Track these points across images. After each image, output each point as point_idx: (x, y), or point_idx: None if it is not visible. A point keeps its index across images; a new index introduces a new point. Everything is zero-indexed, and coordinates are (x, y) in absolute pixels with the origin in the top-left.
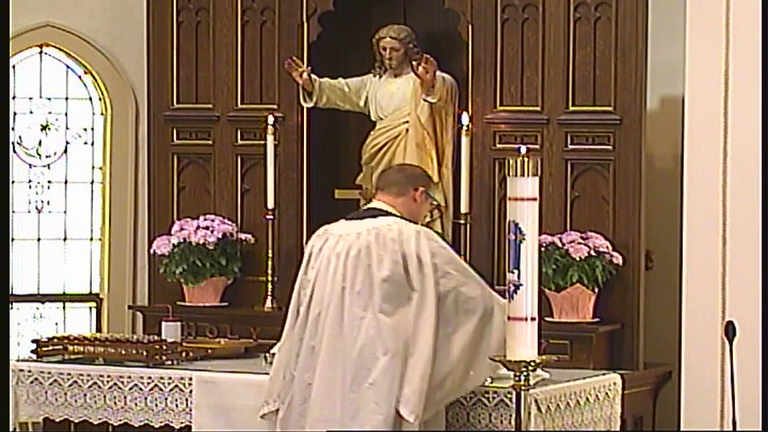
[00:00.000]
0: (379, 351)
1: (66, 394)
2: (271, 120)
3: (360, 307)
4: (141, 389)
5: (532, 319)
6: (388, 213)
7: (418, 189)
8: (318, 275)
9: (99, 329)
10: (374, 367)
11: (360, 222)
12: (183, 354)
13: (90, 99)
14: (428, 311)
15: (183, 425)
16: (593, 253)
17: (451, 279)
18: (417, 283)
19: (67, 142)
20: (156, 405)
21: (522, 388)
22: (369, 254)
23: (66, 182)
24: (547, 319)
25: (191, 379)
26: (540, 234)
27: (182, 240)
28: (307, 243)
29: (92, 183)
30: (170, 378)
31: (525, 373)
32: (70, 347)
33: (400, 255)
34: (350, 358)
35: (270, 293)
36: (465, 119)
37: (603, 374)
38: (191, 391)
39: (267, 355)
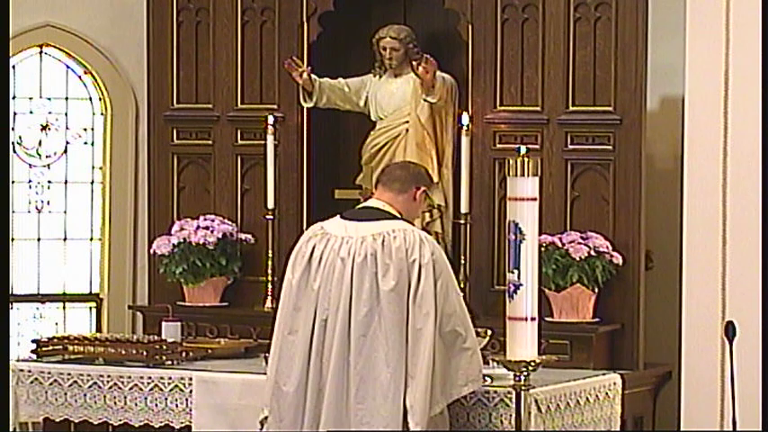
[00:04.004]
0: (383, 362)
1: (66, 394)
2: (271, 120)
3: (366, 315)
4: (141, 389)
5: (532, 319)
6: (388, 214)
7: (420, 188)
8: (325, 281)
9: (99, 329)
10: (380, 379)
11: (361, 224)
12: (183, 354)
13: (90, 99)
14: (429, 324)
15: (182, 425)
16: (593, 253)
17: (449, 304)
18: (418, 293)
19: (67, 142)
20: (156, 405)
21: (522, 388)
22: (374, 262)
23: (66, 182)
24: (547, 319)
25: (191, 379)
26: (540, 234)
27: (182, 240)
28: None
29: (92, 183)
30: (170, 378)
31: (525, 373)
32: (70, 347)
33: (405, 263)
34: (356, 369)
35: (270, 293)
36: (465, 119)
37: (603, 374)
38: (191, 391)
39: (267, 355)
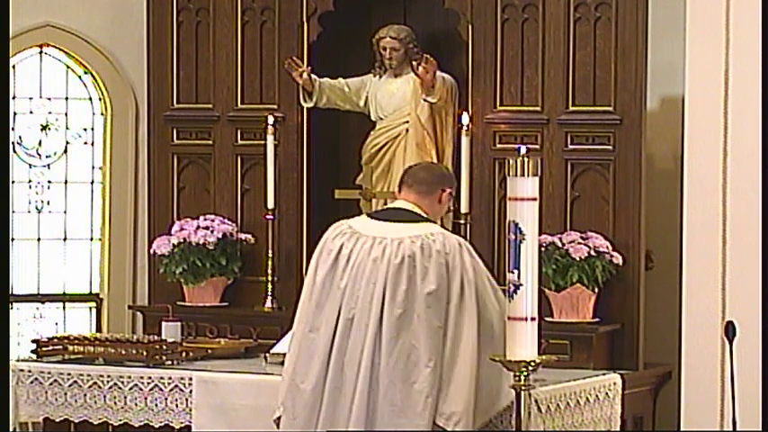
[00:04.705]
0: (416, 365)
1: (66, 394)
2: (271, 120)
3: (399, 318)
4: (141, 389)
5: (532, 319)
6: (420, 217)
7: (445, 190)
8: (352, 281)
9: (99, 329)
10: (410, 381)
11: (394, 226)
12: (183, 354)
13: (90, 99)
14: (470, 332)
15: (182, 425)
16: (593, 253)
17: (487, 308)
18: (457, 297)
19: (67, 142)
20: (156, 405)
21: (522, 388)
22: (412, 264)
23: (66, 182)
24: (547, 319)
25: (191, 379)
26: (540, 234)
27: (182, 240)
28: (309, 241)
29: (92, 183)
30: (170, 378)
31: (525, 373)
32: (70, 347)
33: (445, 268)
34: (386, 371)
35: (270, 293)
36: (465, 119)
37: (603, 374)
38: (191, 391)
39: (267, 355)
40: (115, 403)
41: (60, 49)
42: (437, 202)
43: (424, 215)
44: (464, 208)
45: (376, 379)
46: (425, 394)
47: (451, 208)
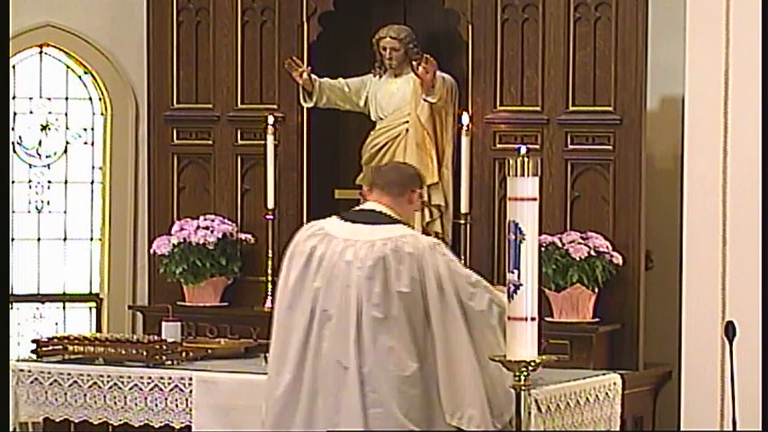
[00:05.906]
0: (404, 364)
1: (66, 394)
2: (271, 120)
3: (375, 320)
4: (141, 389)
5: (532, 319)
6: (391, 219)
7: (415, 191)
8: (326, 283)
9: (99, 329)
10: (393, 383)
11: (366, 228)
12: (183, 354)
13: (90, 99)
14: (459, 329)
15: (183, 425)
16: (593, 253)
17: (479, 296)
18: (436, 297)
19: (67, 142)
20: (156, 405)
21: (522, 388)
22: (384, 266)
23: (66, 182)
24: (547, 319)
25: (191, 379)
26: (540, 234)
27: (182, 240)
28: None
29: (92, 183)
30: (170, 378)
31: (525, 373)
32: (70, 347)
33: (417, 269)
34: (370, 374)
35: (270, 293)
36: (465, 119)
37: (603, 374)
38: (191, 391)
39: (267, 355)
40: (115, 403)
41: (60, 49)
42: (407, 203)
43: (397, 217)
44: (464, 208)
45: (363, 382)
46: (410, 395)
47: (420, 208)
